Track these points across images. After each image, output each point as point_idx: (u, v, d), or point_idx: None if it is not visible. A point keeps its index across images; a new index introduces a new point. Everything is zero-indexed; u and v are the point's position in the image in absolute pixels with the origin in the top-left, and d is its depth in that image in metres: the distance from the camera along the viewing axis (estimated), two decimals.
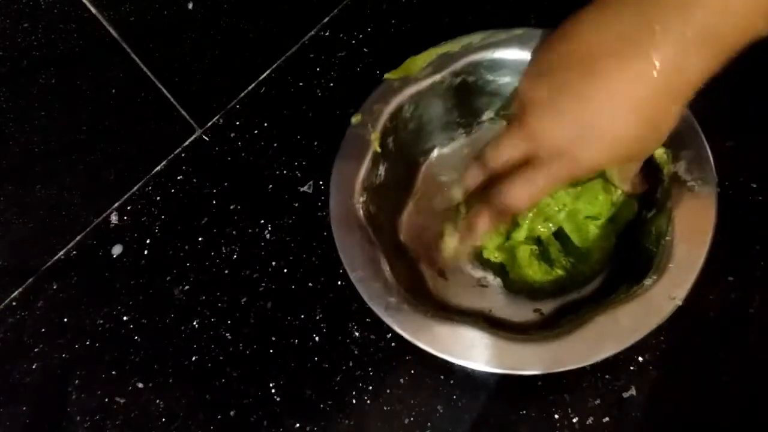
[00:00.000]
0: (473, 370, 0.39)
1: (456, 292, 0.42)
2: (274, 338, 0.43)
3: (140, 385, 0.43)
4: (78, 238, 0.50)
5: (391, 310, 0.36)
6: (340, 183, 0.41)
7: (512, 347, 0.34)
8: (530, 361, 0.34)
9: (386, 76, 0.44)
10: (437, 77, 0.44)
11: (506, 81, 0.45)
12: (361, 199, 0.41)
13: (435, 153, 0.48)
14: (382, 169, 0.43)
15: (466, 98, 0.46)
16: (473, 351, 0.34)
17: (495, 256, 0.41)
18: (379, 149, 0.42)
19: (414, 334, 0.35)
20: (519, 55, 0.43)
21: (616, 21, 0.31)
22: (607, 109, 0.31)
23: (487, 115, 0.48)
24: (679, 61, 0.29)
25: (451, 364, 0.40)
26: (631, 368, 0.39)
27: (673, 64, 0.29)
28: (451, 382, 0.40)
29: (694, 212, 0.36)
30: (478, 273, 0.43)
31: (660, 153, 0.39)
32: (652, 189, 0.40)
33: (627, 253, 0.40)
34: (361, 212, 0.40)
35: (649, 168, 0.40)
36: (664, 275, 0.35)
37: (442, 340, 0.35)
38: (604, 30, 0.31)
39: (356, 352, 0.42)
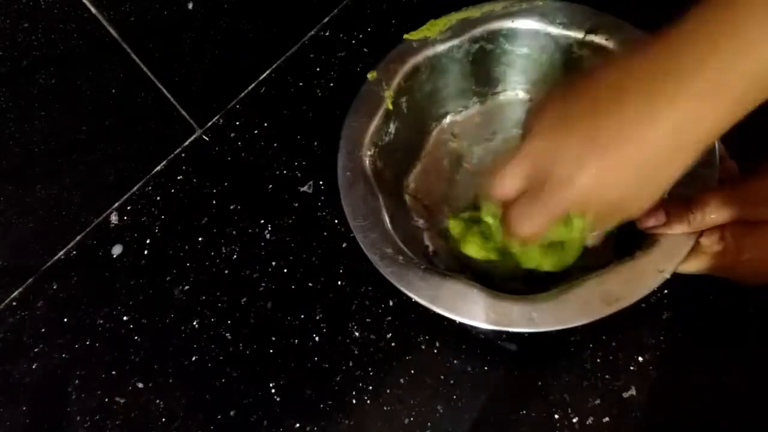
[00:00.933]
0: (474, 369, 0.40)
1: (450, 254, 0.42)
2: (274, 338, 0.43)
3: (140, 385, 0.43)
4: (78, 238, 0.50)
5: (386, 260, 0.37)
6: (349, 136, 0.42)
7: (502, 304, 0.35)
8: (517, 319, 0.34)
9: (406, 36, 0.45)
10: (456, 42, 0.44)
11: (524, 52, 0.45)
12: (369, 153, 0.41)
13: (447, 119, 0.48)
14: (392, 128, 0.43)
15: (483, 66, 0.46)
16: (463, 304, 0.35)
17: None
18: (391, 107, 0.42)
19: (405, 285, 0.36)
20: (538, 26, 0.44)
21: (645, 63, 0.28)
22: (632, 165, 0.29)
23: (502, 86, 0.48)
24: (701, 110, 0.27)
25: (452, 363, 0.40)
26: (631, 368, 0.39)
27: (695, 114, 0.27)
28: (451, 382, 0.40)
29: (694, 192, 0.36)
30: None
31: None
32: None
33: (626, 230, 0.40)
34: (367, 165, 0.41)
35: None
36: (654, 248, 0.35)
37: (430, 290, 0.35)
38: (631, 72, 0.29)
39: (356, 352, 0.42)
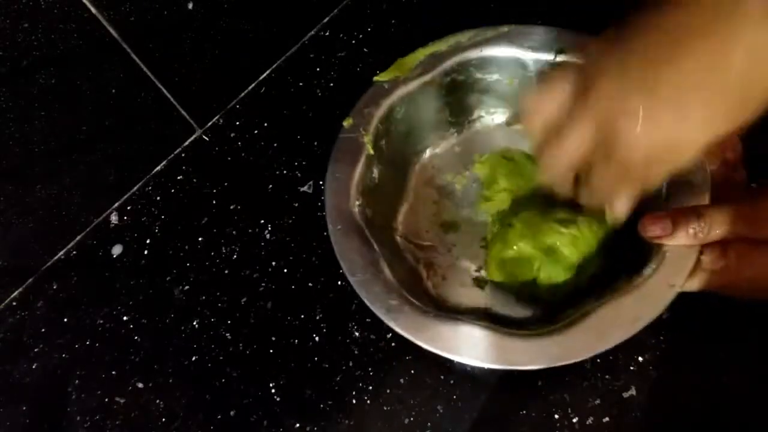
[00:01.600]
0: (473, 369, 0.39)
1: (454, 291, 0.42)
2: (274, 338, 0.43)
3: (140, 385, 0.43)
4: (78, 238, 0.50)
5: (393, 312, 0.36)
6: (335, 187, 0.41)
7: (515, 343, 0.34)
8: (534, 356, 0.34)
9: (375, 78, 0.45)
10: (427, 77, 0.44)
11: (495, 78, 0.46)
12: (357, 203, 0.41)
13: (427, 153, 0.48)
14: (376, 172, 0.43)
15: (456, 97, 0.46)
16: (476, 348, 0.34)
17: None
18: (372, 152, 0.42)
19: (417, 335, 0.35)
20: (507, 52, 0.44)
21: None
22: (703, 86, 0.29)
23: (478, 113, 0.48)
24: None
25: (452, 363, 0.40)
26: (631, 368, 0.39)
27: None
28: (451, 382, 0.40)
29: (690, 201, 0.36)
30: (474, 272, 0.43)
31: None
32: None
33: (625, 243, 0.40)
34: (357, 216, 0.40)
35: None
36: (663, 264, 0.35)
37: (445, 339, 0.35)
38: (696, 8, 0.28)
39: (356, 352, 0.42)
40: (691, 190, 0.37)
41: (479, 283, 0.42)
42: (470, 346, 0.35)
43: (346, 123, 0.43)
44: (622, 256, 0.40)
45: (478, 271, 0.43)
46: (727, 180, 0.38)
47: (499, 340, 0.34)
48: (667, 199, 0.37)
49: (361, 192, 0.41)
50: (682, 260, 0.35)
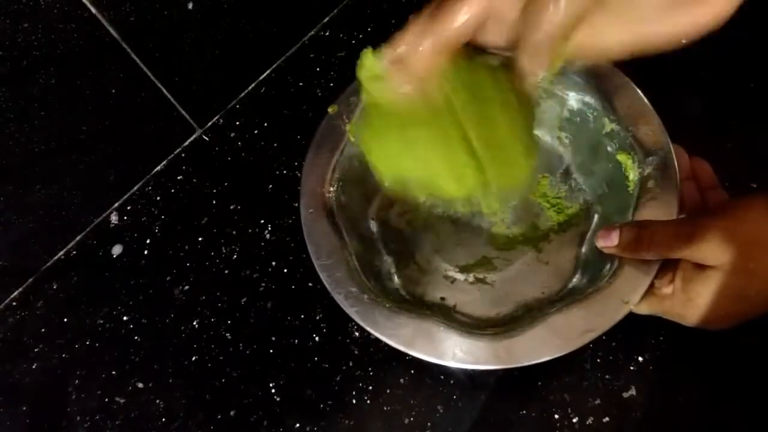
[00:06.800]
0: (473, 369, 0.40)
1: (421, 286, 0.42)
2: (274, 338, 0.43)
3: (140, 385, 0.43)
4: (78, 238, 0.50)
5: (351, 299, 0.37)
6: (312, 171, 0.41)
7: (469, 342, 0.35)
8: (485, 356, 0.34)
9: None
10: None
11: None
12: (332, 189, 0.41)
13: None
14: (355, 161, 0.43)
15: None
16: (429, 342, 0.35)
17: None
18: (352, 139, 0.42)
19: (372, 325, 0.36)
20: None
21: None
22: None
23: None
24: None
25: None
26: (631, 368, 0.39)
27: None
28: (451, 382, 0.40)
29: (656, 217, 0.36)
30: (444, 270, 0.43)
31: (625, 158, 0.39)
32: (618, 195, 0.40)
33: (593, 258, 0.40)
34: (331, 201, 0.41)
35: (616, 175, 0.40)
36: (618, 279, 0.35)
37: (400, 331, 0.35)
38: None
39: (356, 352, 0.42)
40: (658, 205, 0.37)
41: (449, 280, 0.42)
42: (422, 339, 0.35)
43: (331, 110, 0.43)
44: (589, 272, 0.40)
45: (448, 269, 0.43)
46: (706, 201, 0.38)
47: (451, 337, 0.35)
48: (635, 216, 0.37)
49: (338, 179, 0.41)
50: (637, 278, 0.35)
